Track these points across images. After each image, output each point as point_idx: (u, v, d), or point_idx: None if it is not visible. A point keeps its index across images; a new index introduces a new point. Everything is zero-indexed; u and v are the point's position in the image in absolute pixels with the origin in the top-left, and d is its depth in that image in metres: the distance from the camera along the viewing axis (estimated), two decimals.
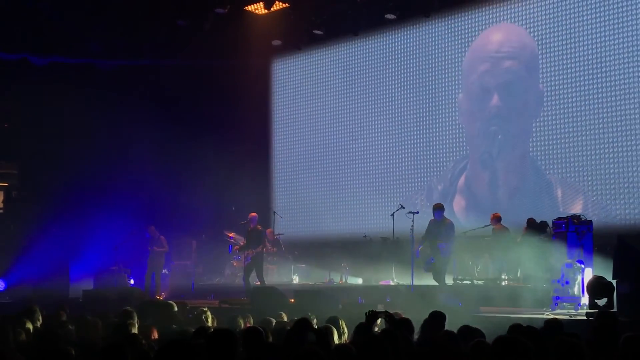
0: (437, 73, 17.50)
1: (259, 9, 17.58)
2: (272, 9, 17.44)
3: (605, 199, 14.98)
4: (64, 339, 6.77)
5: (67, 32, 18.00)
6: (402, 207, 15.26)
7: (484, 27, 16.82)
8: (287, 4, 17.58)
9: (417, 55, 17.81)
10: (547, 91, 15.84)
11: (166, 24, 18.49)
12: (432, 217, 14.06)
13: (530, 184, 16.11)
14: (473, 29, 17.02)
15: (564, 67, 15.58)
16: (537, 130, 15.97)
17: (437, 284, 13.88)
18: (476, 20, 16.93)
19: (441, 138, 17.46)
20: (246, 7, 17.70)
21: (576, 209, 14.92)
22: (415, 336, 6.69)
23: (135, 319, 7.70)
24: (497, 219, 14.89)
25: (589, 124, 15.21)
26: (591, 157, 15.18)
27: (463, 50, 17.24)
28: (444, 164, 17.37)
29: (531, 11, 16.09)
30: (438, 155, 17.51)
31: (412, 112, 17.88)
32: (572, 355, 5.03)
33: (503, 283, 13.86)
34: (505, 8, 16.48)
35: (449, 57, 17.35)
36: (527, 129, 16.11)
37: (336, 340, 6.48)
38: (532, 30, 16.13)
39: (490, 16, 16.71)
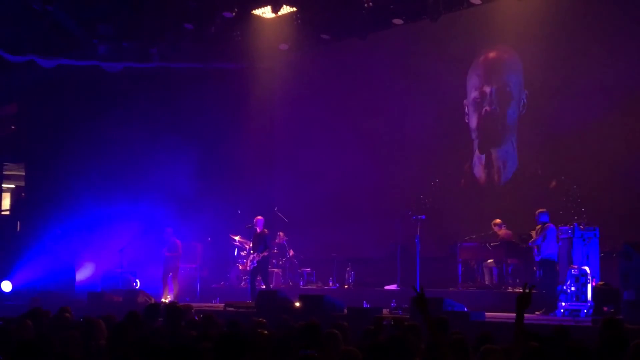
0: (444, 76, 17.45)
1: (266, 13, 17.59)
2: (279, 13, 17.43)
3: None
4: (66, 342, 6.75)
5: (74, 34, 18.03)
6: (409, 212, 15.24)
7: (489, 32, 16.81)
8: (294, 8, 17.58)
9: (424, 60, 17.76)
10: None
11: (173, 27, 18.49)
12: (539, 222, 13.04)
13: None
14: (480, 34, 17.00)
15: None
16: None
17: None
18: (482, 24, 16.88)
19: (450, 140, 17.46)
20: (253, 11, 17.70)
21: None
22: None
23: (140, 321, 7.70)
24: (498, 225, 14.77)
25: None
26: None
27: (469, 54, 17.24)
28: (452, 165, 17.37)
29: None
30: (445, 157, 17.48)
31: (419, 115, 17.85)
32: None
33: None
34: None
35: (456, 62, 17.31)
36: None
37: (342, 345, 6.44)
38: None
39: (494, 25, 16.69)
